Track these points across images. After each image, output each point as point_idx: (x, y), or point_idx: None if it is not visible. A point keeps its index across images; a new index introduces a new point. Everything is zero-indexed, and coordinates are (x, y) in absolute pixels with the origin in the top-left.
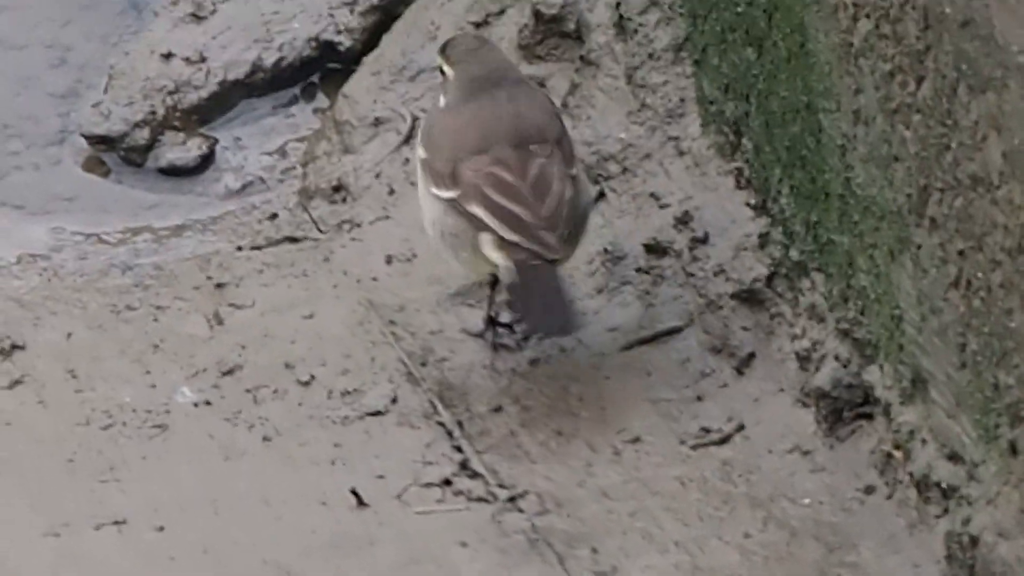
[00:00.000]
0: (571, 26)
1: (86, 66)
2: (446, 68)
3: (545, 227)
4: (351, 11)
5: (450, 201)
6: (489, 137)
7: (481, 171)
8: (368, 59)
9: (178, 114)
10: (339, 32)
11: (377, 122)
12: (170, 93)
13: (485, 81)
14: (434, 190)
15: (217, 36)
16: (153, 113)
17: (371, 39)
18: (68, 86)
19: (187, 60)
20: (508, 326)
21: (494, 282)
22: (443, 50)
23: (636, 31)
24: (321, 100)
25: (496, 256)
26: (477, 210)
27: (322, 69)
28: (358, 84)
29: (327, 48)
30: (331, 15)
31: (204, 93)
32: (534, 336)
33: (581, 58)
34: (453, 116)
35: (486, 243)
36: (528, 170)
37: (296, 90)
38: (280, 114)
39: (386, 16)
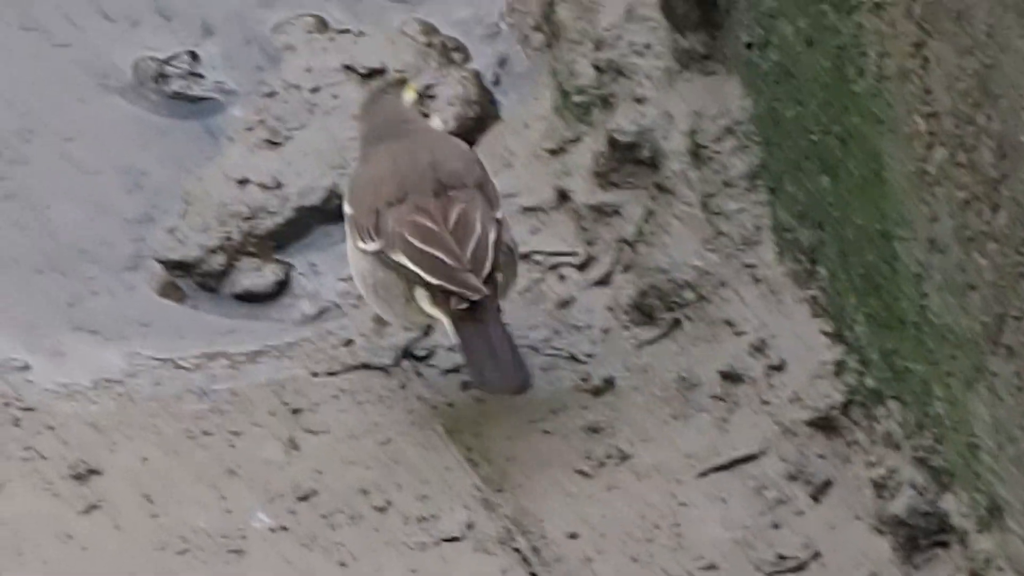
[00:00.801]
0: (646, 153)
1: (161, 191)
2: (357, 123)
3: (468, 269)
4: None
5: (376, 253)
6: (407, 185)
7: (403, 219)
8: None
9: (253, 240)
10: None
11: None
12: (245, 219)
13: (395, 130)
14: (360, 244)
15: (292, 162)
16: (228, 239)
17: None
18: (143, 211)
19: (262, 186)
20: (420, 358)
21: (427, 330)
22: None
23: (711, 158)
24: None
25: (433, 311)
26: (400, 258)
27: None
28: None
29: None
30: None
31: (279, 219)
32: (489, 393)
33: (656, 185)
34: (370, 167)
35: (423, 298)
36: (449, 215)
37: None
38: None
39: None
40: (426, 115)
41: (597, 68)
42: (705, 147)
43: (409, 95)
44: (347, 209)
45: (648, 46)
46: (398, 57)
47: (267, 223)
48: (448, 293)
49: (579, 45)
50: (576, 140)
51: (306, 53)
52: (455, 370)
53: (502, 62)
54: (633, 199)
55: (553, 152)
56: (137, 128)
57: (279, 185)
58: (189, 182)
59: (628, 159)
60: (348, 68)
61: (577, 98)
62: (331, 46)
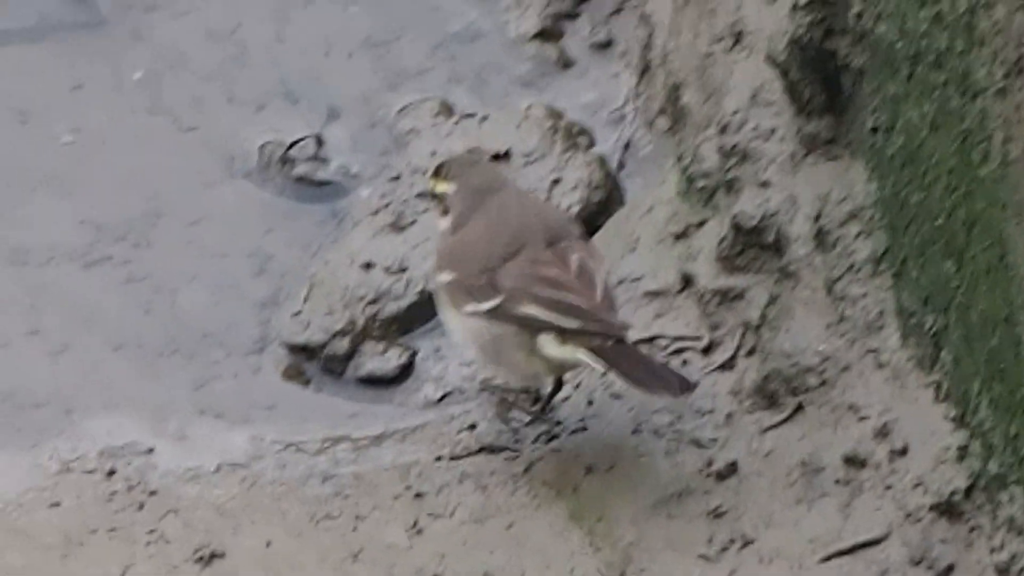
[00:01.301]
0: (770, 238)
1: (286, 275)
2: (443, 186)
3: (604, 310)
4: None
5: (491, 311)
6: (520, 240)
7: (522, 273)
8: None
9: (378, 324)
10: None
11: None
12: (370, 303)
13: (488, 190)
14: (467, 308)
15: (417, 246)
16: (353, 323)
17: None
18: (268, 295)
19: (387, 269)
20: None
21: (557, 387)
22: (436, 172)
23: (836, 243)
24: None
25: (564, 352)
26: (529, 310)
27: None
28: None
29: None
30: None
31: (404, 303)
32: (659, 397)
33: (780, 270)
34: (471, 230)
35: (548, 344)
36: (569, 263)
37: None
38: None
39: (587, 228)
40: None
41: (722, 152)
42: (829, 231)
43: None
44: (445, 277)
45: (773, 130)
46: (523, 141)
47: (391, 307)
48: (588, 335)
49: (704, 129)
50: (700, 224)
51: (431, 137)
52: (577, 454)
53: (627, 146)
54: (757, 283)
55: (677, 236)
56: (263, 211)
57: (403, 269)
58: (314, 266)
59: (752, 243)
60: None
61: (701, 182)
62: (456, 130)
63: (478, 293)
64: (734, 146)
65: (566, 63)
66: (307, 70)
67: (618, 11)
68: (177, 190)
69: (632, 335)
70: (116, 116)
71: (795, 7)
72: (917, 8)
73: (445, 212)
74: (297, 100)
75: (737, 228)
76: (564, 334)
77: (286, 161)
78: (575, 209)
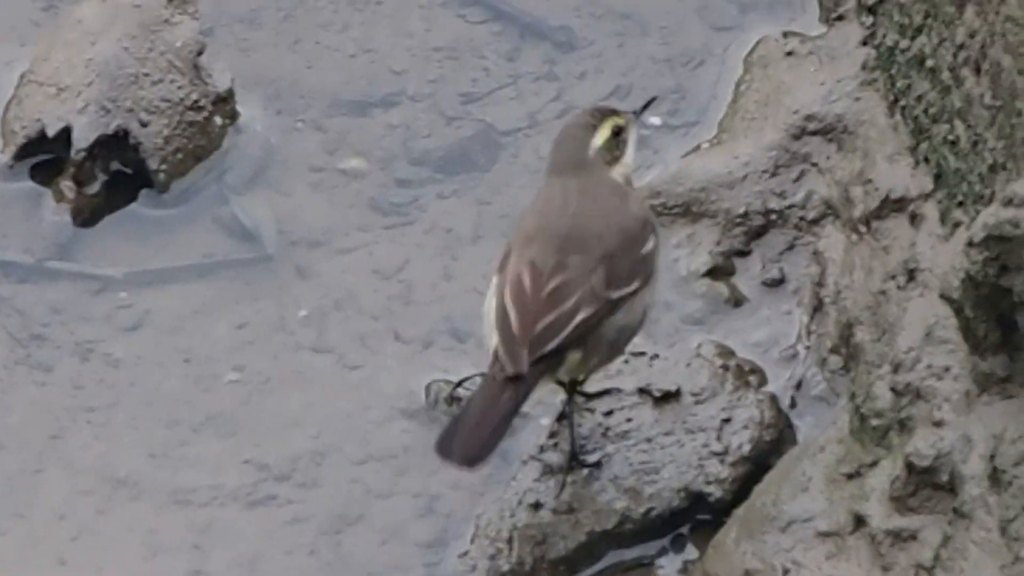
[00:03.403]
0: (944, 477)
1: (453, 515)
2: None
3: (524, 345)
4: (721, 462)
5: (495, 286)
6: (539, 234)
7: (512, 269)
8: (738, 511)
9: (545, 565)
10: (708, 483)
11: (747, 574)
12: (537, 543)
13: (567, 171)
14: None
15: (586, 486)
16: (520, 563)
17: (741, 490)
18: (434, 535)
19: (555, 511)
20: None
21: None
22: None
23: (1011, 483)
24: (690, 551)
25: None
26: (492, 301)
27: (691, 520)
28: (728, 536)
29: (696, 499)
30: (700, 465)
31: (571, 543)
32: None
33: (954, 510)
34: (533, 204)
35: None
36: (551, 281)
37: (665, 541)
38: (648, 565)
39: (757, 467)
40: (618, 157)
41: (895, 391)
42: (1004, 471)
43: (602, 136)
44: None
45: (947, 369)
46: (693, 380)
47: (559, 547)
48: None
49: (877, 367)
50: (873, 464)
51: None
52: None
53: (798, 385)
54: (931, 524)
55: (849, 476)
56: (429, 451)
57: (572, 510)
58: (481, 506)
59: (926, 483)
60: (643, 391)
61: (874, 421)
62: (626, 368)
63: (497, 266)
64: (907, 384)
65: (737, 301)
66: (474, 308)
67: (790, 248)
68: (342, 429)
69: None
70: (281, 354)
71: (970, 243)
72: None
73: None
74: (463, 339)
75: (910, 467)
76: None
77: (453, 400)
78: (745, 448)
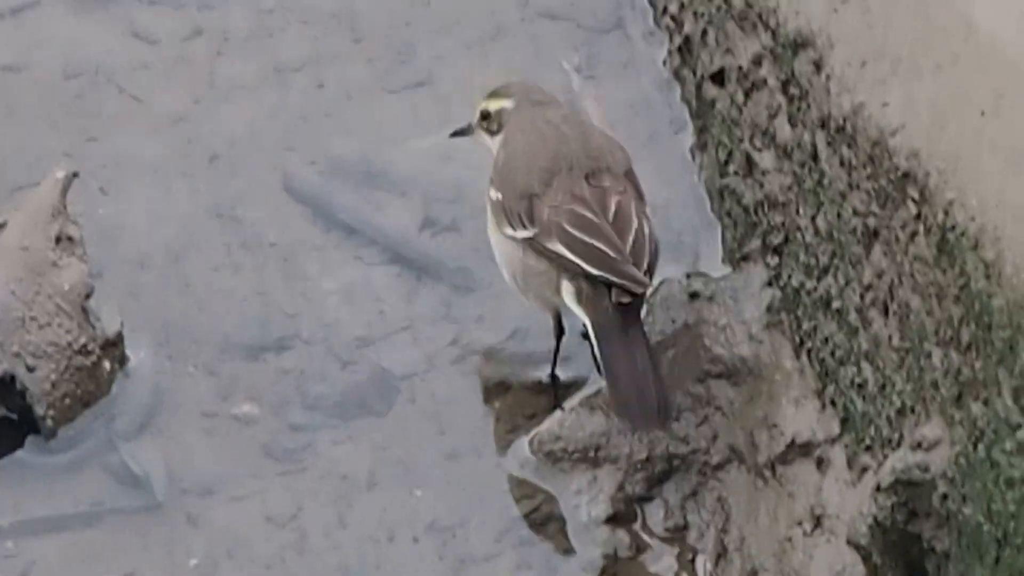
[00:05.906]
0: None
1: None
2: (497, 103)
3: (631, 261)
4: None
5: (525, 241)
6: (559, 164)
7: (560, 208)
8: None
9: None
10: None
11: None
12: None
13: (542, 110)
14: (507, 231)
15: None
16: None
17: None
18: None
19: None
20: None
21: (559, 332)
22: (492, 94)
23: None
24: None
25: (577, 310)
26: (559, 248)
27: None
28: None
29: None
30: None
31: None
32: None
33: None
34: (517, 149)
35: (568, 293)
36: (608, 205)
37: None
38: None
39: None
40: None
41: None
42: None
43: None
44: (494, 195)
45: None
46: None
47: None
48: (610, 285)
49: None
50: None
51: None
52: None
53: None
54: None
55: None
56: None
57: None
58: None
59: None
60: None
61: None
62: None
63: (516, 220)
64: None
65: (639, 547)
66: (369, 556)
67: (693, 494)
68: None
69: None
70: None
71: (878, 488)
72: (1004, 490)
73: (496, 131)
74: None
75: None
76: (579, 289)
77: None
78: None
